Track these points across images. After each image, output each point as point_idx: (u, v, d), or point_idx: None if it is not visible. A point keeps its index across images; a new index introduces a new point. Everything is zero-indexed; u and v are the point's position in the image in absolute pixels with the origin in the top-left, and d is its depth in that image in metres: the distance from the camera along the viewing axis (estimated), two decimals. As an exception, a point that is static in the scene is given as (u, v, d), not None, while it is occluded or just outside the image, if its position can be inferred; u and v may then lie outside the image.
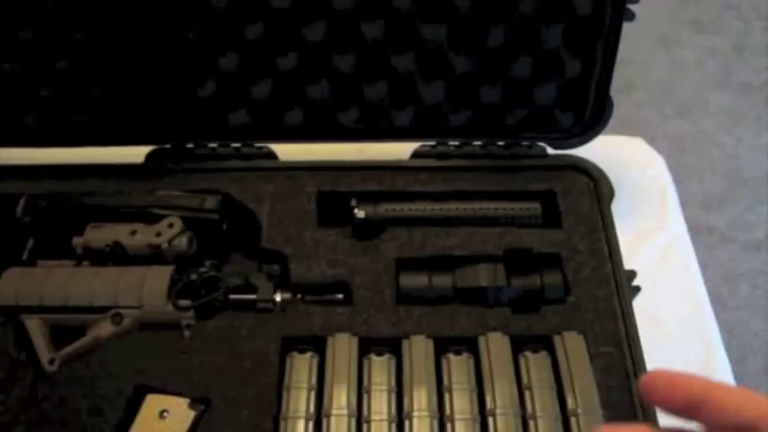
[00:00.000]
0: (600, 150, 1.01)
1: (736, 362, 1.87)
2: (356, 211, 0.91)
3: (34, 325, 0.87)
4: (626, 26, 0.88)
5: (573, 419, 0.78)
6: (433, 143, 0.99)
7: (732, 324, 1.94)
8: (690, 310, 1.03)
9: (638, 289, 0.90)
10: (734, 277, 2.03)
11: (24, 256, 0.93)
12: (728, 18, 2.65)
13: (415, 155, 0.99)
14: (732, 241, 2.10)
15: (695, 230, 2.07)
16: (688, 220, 1.95)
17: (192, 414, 0.80)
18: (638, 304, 0.90)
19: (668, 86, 2.45)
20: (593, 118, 0.95)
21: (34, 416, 0.80)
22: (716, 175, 2.24)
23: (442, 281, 0.86)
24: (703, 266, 2.02)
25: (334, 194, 0.96)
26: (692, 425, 0.39)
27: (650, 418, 0.78)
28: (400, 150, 1.00)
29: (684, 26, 2.61)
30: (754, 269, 2.05)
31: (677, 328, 1.01)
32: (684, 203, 2.13)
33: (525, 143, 0.99)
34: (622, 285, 0.88)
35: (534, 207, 0.93)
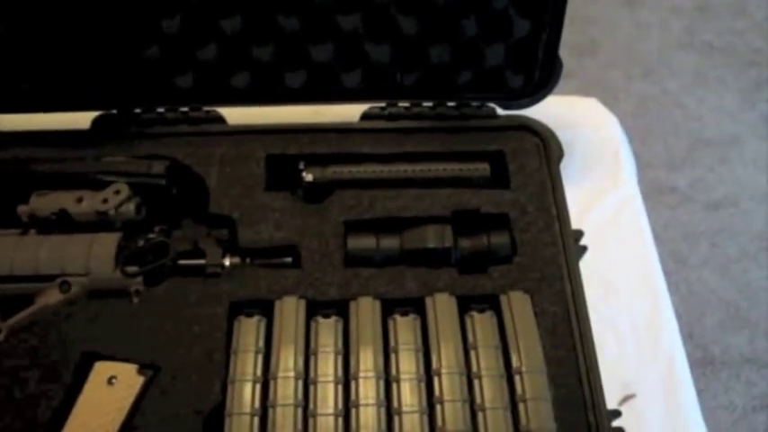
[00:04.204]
0: (553, 110, 1.01)
1: (695, 318, 1.92)
2: (304, 174, 0.91)
3: (-21, 295, 0.86)
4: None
5: (517, 378, 0.79)
6: (382, 105, 0.98)
7: (692, 282, 1.97)
8: (639, 270, 1.04)
9: (584, 249, 0.91)
10: (694, 236, 2.06)
11: (-32, 226, 0.92)
12: (692, -23, 2.65)
13: (365, 117, 0.98)
14: (693, 201, 2.13)
15: (658, 190, 2.10)
16: (651, 180, 1.97)
17: (140, 380, 0.80)
18: (588, 264, 0.91)
19: (632, 47, 2.44)
20: (543, 78, 0.95)
21: (-19, 386, 0.80)
22: (678, 135, 2.26)
23: (390, 243, 0.87)
24: (665, 226, 2.06)
25: (282, 158, 0.95)
26: None
27: (593, 375, 0.80)
28: (350, 113, 0.99)
29: (649, -15, 2.61)
30: (713, 228, 2.08)
31: (626, 287, 1.03)
32: (648, 164, 2.15)
33: (475, 104, 0.99)
34: (569, 245, 0.89)
35: (483, 167, 0.94)
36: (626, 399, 0.93)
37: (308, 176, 0.91)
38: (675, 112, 2.32)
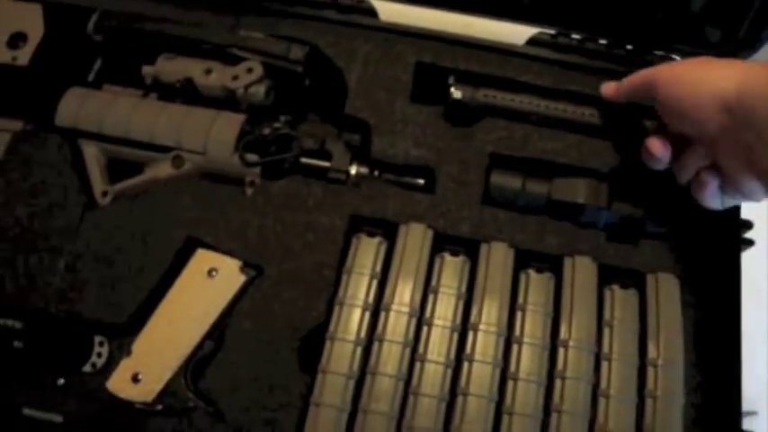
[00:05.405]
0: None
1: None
2: (453, 90, 0.81)
3: (91, 153, 0.81)
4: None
5: (651, 369, 0.70)
6: (552, 32, 0.86)
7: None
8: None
9: (750, 243, 0.80)
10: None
11: (90, 78, 0.86)
12: None
13: (532, 41, 0.86)
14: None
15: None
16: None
17: (241, 278, 0.74)
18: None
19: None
20: (747, 38, 0.81)
21: (79, 248, 0.76)
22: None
23: (537, 188, 0.77)
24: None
25: (432, 68, 0.84)
26: None
27: (734, 389, 0.71)
28: (513, 34, 0.87)
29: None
30: None
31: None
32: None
33: (658, 53, 0.86)
34: (734, 235, 0.78)
35: (652, 124, 0.81)
36: (746, 415, 0.84)
37: (456, 94, 0.80)
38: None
